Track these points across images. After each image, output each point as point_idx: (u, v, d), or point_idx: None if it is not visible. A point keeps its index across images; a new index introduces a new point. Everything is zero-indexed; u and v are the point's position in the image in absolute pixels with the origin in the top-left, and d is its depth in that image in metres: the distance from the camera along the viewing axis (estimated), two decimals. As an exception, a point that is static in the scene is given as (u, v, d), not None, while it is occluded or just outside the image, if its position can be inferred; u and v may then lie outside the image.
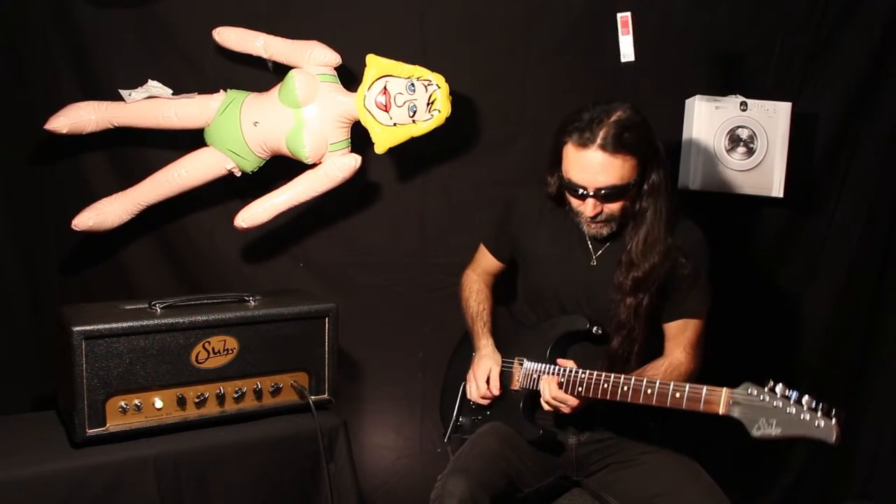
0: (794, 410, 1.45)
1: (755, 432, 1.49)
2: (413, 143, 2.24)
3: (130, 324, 1.76)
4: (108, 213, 2.29)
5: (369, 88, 2.21)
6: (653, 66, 2.38)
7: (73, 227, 2.27)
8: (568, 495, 1.93)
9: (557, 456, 1.92)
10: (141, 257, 2.47)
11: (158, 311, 1.86)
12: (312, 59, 2.23)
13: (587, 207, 1.78)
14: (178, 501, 1.78)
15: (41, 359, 2.36)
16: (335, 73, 2.26)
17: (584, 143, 1.72)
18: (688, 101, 2.38)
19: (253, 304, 1.97)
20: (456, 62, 2.38)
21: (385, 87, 2.20)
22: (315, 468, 1.93)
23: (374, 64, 2.22)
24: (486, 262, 2.15)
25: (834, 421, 1.42)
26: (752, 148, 2.33)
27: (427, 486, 1.82)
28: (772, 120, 2.32)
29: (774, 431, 1.46)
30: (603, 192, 1.74)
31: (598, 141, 1.71)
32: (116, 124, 2.28)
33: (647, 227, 1.79)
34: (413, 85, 2.20)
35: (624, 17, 1.96)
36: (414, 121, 2.22)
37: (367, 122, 2.22)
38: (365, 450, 2.55)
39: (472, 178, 2.47)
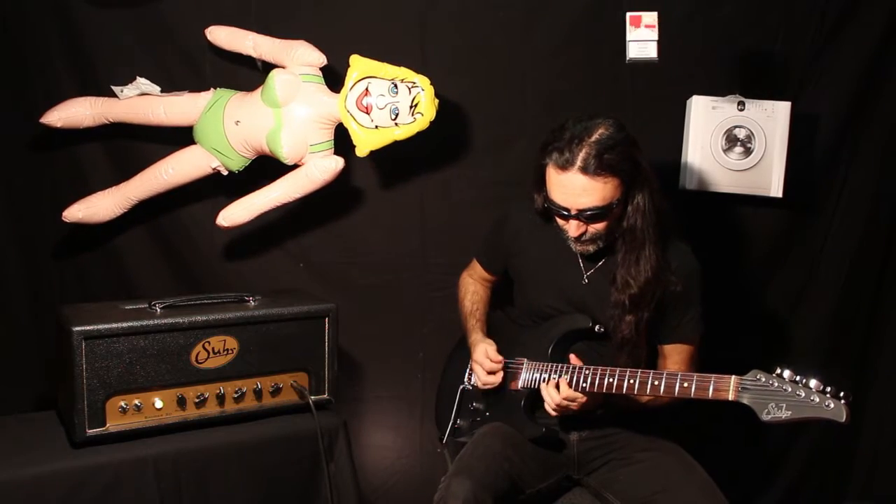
0: (803, 393, 1.46)
1: (765, 416, 1.48)
2: (413, 142, 2.23)
3: (130, 324, 1.76)
4: (99, 206, 2.30)
5: (351, 89, 2.18)
6: (653, 66, 2.37)
7: (62, 218, 2.29)
8: (569, 495, 1.92)
9: (559, 453, 1.92)
10: (141, 257, 2.47)
11: (158, 311, 1.86)
12: (297, 59, 2.21)
13: (571, 228, 1.77)
14: (178, 501, 1.78)
15: (41, 359, 2.36)
16: (320, 74, 2.24)
17: (563, 166, 1.70)
18: (688, 101, 2.38)
19: (253, 304, 1.97)
20: (456, 62, 2.38)
21: (367, 89, 2.17)
22: (315, 468, 1.93)
23: (357, 64, 2.19)
24: (480, 272, 2.17)
25: (843, 402, 1.43)
26: (750, 148, 2.33)
27: (427, 486, 1.83)
28: (770, 120, 2.32)
29: (784, 414, 1.46)
30: (586, 213, 1.73)
31: (578, 163, 1.68)
32: (111, 120, 2.29)
33: (637, 245, 1.78)
34: (396, 87, 2.15)
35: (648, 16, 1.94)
36: (396, 123, 2.18)
37: (349, 124, 2.20)
38: (365, 450, 2.55)
39: (472, 178, 2.47)
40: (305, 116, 2.21)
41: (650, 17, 1.94)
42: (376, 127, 2.19)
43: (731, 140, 2.34)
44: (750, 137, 2.33)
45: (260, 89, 2.23)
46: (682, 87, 2.40)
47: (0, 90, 2.31)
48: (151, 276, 2.48)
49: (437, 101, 2.19)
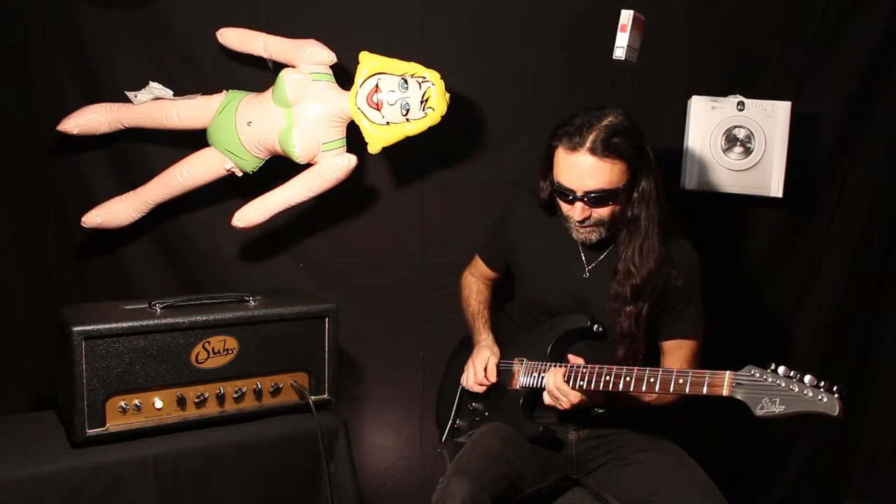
0: (796, 388, 1.46)
1: (758, 412, 1.49)
2: (413, 142, 2.23)
3: (130, 324, 1.76)
4: (117, 211, 2.31)
5: (361, 86, 2.18)
6: (653, 66, 2.37)
7: (81, 223, 2.30)
8: (568, 495, 1.93)
9: (558, 453, 1.92)
10: (141, 257, 2.47)
11: (158, 311, 1.86)
12: (307, 58, 2.21)
13: (575, 211, 1.78)
14: (178, 501, 1.78)
15: (41, 359, 2.36)
16: (330, 72, 2.24)
17: (573, 147, 1.73)
18: (688, 101, 2.38)
19: (253, 304, 1.97)
20: (456, 62, 2.37)
21: (377, 85, 2.17)
22: (315, 468, 1.93)
23: (367, 61, 2.18)
24: (482, 269, 2.18)
25: (836, 396, 1.43)
26: (750, 147, 2.33)
27: (427, 486, 1.82)
28: (770, 120, 2.32)
29: (778, 409, 1.47)
30: (591, 195, 1.75)
31: (588, 144, 1.72)
32: (126, 125, 2.31)
33: (641, 235, 1.80)
34: (406, 82, 2.15)
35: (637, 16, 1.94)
36: (407, 119, 2.17)
37: (360, 121, 2.20)
38: (365, 450, 2.55)
39: (472, 178, 2.47)
40: (317, 115, 2.21)
41: (624, 17, 1.94)
42: (387, 123, 2.18)
43: (730, 140, 2.34)
44: (750, 137, 2.33)
45: (271, 90, 2.24)
46: (682, 87, 2.40)
47: (1, 92, 2.31)
48: (151, 276, 2.48)
49: (447, 95, 2.18)
